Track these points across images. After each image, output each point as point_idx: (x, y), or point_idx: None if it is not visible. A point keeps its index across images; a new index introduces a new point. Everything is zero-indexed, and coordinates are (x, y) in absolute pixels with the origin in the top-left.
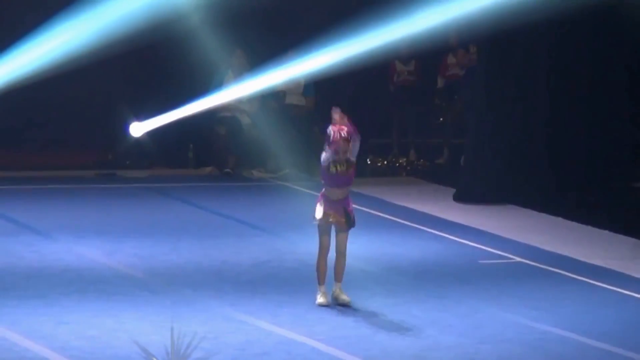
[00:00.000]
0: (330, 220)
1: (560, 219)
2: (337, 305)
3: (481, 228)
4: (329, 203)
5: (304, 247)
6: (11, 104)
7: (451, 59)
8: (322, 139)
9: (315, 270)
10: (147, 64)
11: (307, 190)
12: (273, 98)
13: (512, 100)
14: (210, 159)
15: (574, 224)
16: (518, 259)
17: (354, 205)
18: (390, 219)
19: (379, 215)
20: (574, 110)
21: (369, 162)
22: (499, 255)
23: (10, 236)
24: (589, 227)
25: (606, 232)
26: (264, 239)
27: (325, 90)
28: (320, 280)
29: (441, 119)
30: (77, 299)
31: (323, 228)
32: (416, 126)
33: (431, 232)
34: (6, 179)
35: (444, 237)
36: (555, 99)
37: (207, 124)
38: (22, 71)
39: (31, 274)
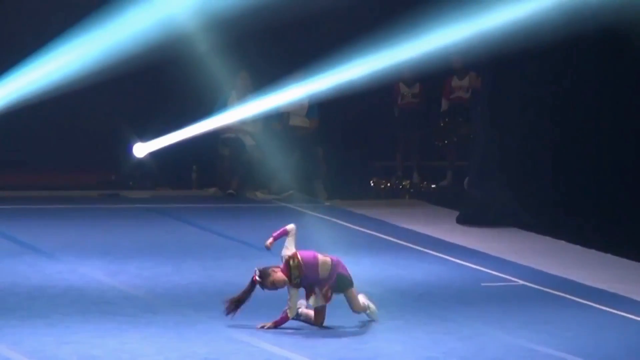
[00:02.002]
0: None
1: (563, 242)
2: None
3: (484, 251)
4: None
5: None
6: (15, 124)
7: (455, 82)
8: (325, 161)
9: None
10: (151, 85)
11: (311, 212)
12: (277, 119)
13: (517, 123)
14: (214, 180)
15: (577, 247)
16: (521, 282)
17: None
18: (393, 241)
19: (382, 238)
20: (579, 133)
21: (372, 185)
22: (502, 278)
23: (13, 256)
24: (592, 251)
25: (609, 255)
26: (267, 261)
27: (330, 112)
28: None
29: (445, 142)
30: (80, 319)
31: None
32: (420, 149)
33: (434, 255)
34: (10, 199)
35: (447, 259)
36: (561, 122)
37: (211, 145)
38: (26, 92)
39: (34, 294)
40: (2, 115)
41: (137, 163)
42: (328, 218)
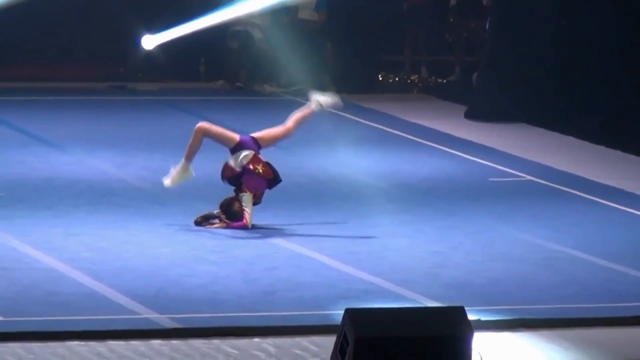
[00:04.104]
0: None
1: (571, 138)
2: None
3: (492, 146)
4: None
5: (314, 162)
6: (24, 15)
7: None
8: (333, 54)
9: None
10: None
11: None
12: (285, 13)
13: (528, 20)
14: (222, 72)
15: (586, 143)
16: (529, 178)
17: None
18: (402, 136)
19: (390, 132)
20: (588, 29)
21: (380, 79)
22: (510, 173)
23: (21, 147)
24: (601, 147)
25: (618, 152)
26: (273, 154)
27: (338, 5)
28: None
29: (454, 37)
30: (87, 211)
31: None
32: (428, 43)
33: (442, 150)
34: (18, 90)
35: (455, 154)
36: (570, 19)
37: (220, 38)
38: None
39: (42, 186)
40: (10, 7)
41: (145, 55)
42: (335, 111)
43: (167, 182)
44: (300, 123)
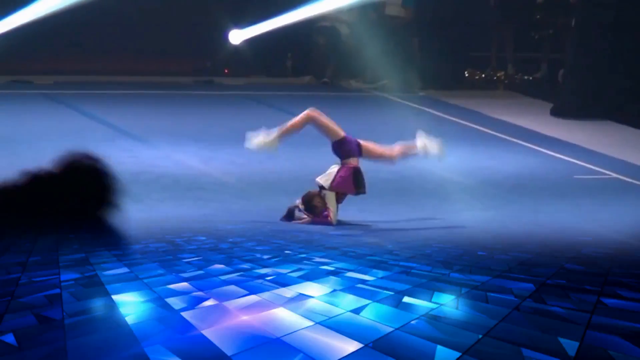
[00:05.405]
0: None
1: None
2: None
3: (578, 143)
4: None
5: None
6: (112, 9)
7: None
8: (420, 51)
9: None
10: None
11: (405, 102)
12: (372, 9)
13: (612, 16)
14: (309, 68)
15: None
16: (614, 175)
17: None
18: (487, 132)
19: (476, 128)
20: None
21: (467, 75)
22: (595, 170)
23: (108, 141)
24: None
25: None
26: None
27: (425, 1)
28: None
29: (541, 34)
30: (173, 205)
31: None
32: (515, 40)
33: (527, 146)
34: (106, 85)
35: (540, 151)
36: None
37: (306, 33)
38: None
39: (128, 179)
40: (98, 2)
41: (232, 50)
42: (421, 107)
43: (250, 144)
44: (404, 156)
